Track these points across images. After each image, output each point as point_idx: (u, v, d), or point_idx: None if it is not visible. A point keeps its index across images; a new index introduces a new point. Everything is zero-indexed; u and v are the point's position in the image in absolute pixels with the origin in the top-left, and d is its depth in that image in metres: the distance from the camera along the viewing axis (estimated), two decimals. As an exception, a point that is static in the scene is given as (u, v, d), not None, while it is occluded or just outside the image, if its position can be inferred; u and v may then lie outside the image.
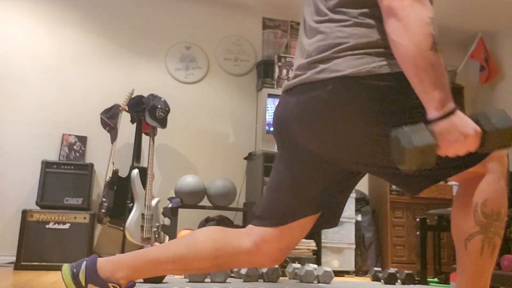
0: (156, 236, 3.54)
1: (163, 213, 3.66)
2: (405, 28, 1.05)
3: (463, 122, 1.04)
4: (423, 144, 1.02)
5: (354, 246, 4.02)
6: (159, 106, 3.74)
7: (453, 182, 4.50)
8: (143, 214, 3.51)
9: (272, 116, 3.99)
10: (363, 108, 1.14)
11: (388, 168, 1.20)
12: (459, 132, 1.02)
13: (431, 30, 1.04)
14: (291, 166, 1.34)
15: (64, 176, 3.53)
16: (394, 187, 4.34)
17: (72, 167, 3.58)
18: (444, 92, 1.04)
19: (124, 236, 3.47)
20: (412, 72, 1.06)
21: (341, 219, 3.96)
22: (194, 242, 1.36)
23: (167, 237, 3.56)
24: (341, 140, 1.20)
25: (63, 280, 1.38)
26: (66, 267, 1.39)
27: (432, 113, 1.05)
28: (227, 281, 2.79)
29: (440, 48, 1.06)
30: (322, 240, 3.86)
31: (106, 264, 1.38)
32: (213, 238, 1.37)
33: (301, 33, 1.34)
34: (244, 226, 3.73)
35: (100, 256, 1.39)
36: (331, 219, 1.40)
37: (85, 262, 1.38)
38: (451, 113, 1.03)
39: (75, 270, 1.37)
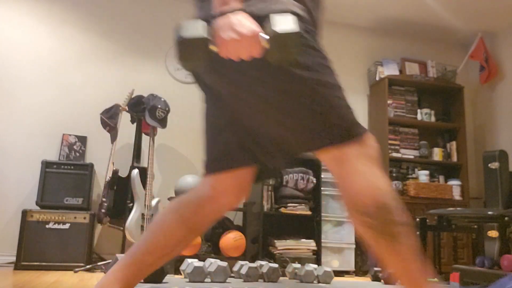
0: (156, 236, 3.54)
1: (163, 213, 3.65)
2: None
3: (241, 22, 1.01)
4: (189, 36, 0.98)
5: (354, 246, 4.02)
6: (159, 106, 3.74)
7: (453, 182, 4.50)
8: (143, 214, 3.51)
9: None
10: None
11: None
12: (233, 30, 1.00)
13: None
14: (212, 113, 1.30)
15: (64, 176, 3.53)
16: (394, 187, 4.34)
17: (72, 167, 3.58)
18: None
19: (124, 236, 3.47)
20: None
21: (340, 219, 3.99)
22: (159, 224, 1.31)
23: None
24: None
25: None
26: None
27: (213, 11, 1.04)
28: (227, 281, 2.79)
29: None
30: (322, 240, 3.86)
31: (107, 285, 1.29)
32: (173, 209, 1.31)
33: None
34: (244, 226, 3.73)
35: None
36: (270, 172, 1.34)
37: None
38: (230, 12, 1.02)
39: None
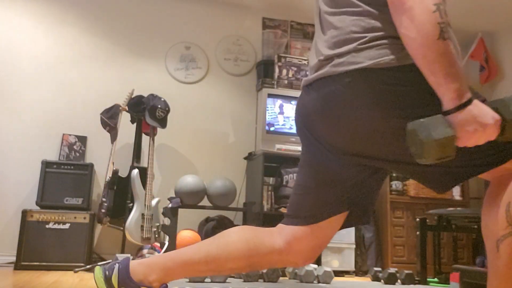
0: (156, 236, 3.54)
1: (163, 213, 3.66)
2: (411, 19, 1.02)
3: (481, 112, 1.00)
4: (442, 137, 0.99)
5: (354, 246, 4.02)
6: (159, 106, 3.74)
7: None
8: (143, 214, 3.51)
9: (272, 116, 3.99)
10: (381, 100, 1.11)
11: (412, 165, 1.16)
12: (477, 122, 1.00)
13: (438, 19, 1.02)
14: (316, 164, 1.31)
15: (64, 176, 3.53)
16: (394, 187, 4.34)
17: (72, 167, 3.58)
18: (458, 82, 1.00)
19: (124, 236, 3.47)
20: (423, 64, 1.03)
21: (341, 219, 3.99)
22: (226, 243, 1.35)
23: (167, 237, 3.56)
24: (360, 134, 1.17)
25: (96, 282, 1.37)
26: (98, 269, 1.38)
27: (448, 105, 1.01)
28: (227, 281, 2.79)
29: (449, 36, 1.02)
30: (322, 240, 3.85)
31: (138, 267, 1.37)
32: (245, 238, 1.35)
33: (317, 26, 1.31)
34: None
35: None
36: (362, 216, 1.37)
37: (117, 265, 1.37)
38: (468, 103, 1.00)
39: (107, 273, 1.36)
